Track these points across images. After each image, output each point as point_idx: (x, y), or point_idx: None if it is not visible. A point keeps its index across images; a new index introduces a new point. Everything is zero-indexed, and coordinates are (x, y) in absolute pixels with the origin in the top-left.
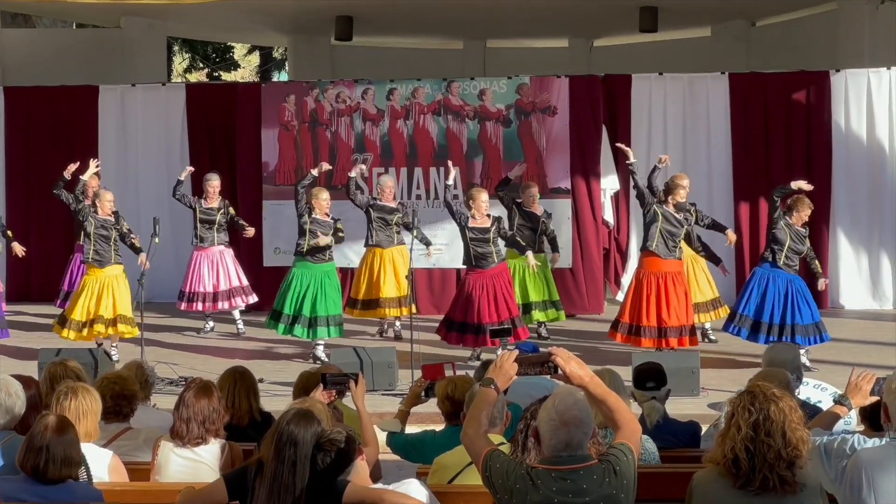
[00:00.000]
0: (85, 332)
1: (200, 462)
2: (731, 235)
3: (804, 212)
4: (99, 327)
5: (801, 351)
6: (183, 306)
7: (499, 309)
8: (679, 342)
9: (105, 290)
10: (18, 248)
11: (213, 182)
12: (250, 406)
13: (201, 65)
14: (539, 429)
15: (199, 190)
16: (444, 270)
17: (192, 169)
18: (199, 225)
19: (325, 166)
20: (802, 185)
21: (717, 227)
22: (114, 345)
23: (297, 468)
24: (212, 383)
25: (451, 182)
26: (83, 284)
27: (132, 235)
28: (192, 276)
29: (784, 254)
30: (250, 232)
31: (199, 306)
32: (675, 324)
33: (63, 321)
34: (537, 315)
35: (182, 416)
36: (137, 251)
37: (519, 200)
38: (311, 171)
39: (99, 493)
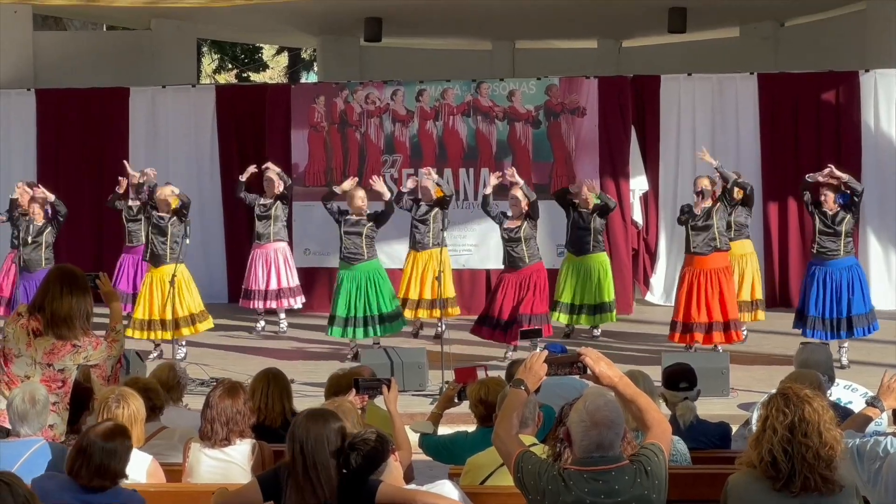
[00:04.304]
0: (160, 333)
1: (231, 462)
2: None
3: (826, 192)
4: (184, 330)
5: (844, 346)
6: (243, 303)
7: (526, 306)
8: (726, 337)
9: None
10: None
11: (272, 177)
12: (283, 407)
13: (230, 66)
14: (570, 430)
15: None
16: (473, 271)
17: (254, 169)
18: (256, 221)
19: (349, 183)
20: (827, 174)
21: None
22: (182, 343)
23: (318, 467)
24: (240, 384)
25: (488, 191)
26: (145, 285)
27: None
28: (250, 275)
29: (818, 242)
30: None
31: (255, 304)
32: (718, 319)
33: (148, 325)
34: (585, 320)
35: (207, 417)
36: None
37: (576, 201)
38: (335, 188)
39: (142, 499)
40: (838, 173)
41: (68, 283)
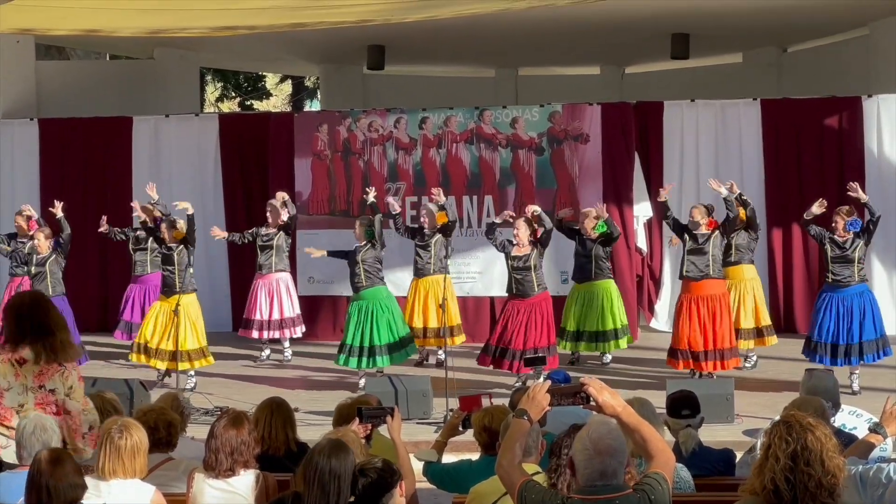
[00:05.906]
0: (164, 362)
1: (235, 493)
2: None
3: (835, 218)
4: (183, 364)
5: (856, 372)
6: (241, 332)
7: (536, 337)
8: (722, 365)
9: (171, 321)
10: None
11: (276, 206)
12: (286, 436)
13: (233, 94)
14: (573, 458)
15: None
16: (477, 299)
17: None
18: (259, 252)
19: (318, 252)
20: (821, 206)
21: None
22: (191, 374)
23: (330, 499)
24: (244, 414)
25: (499, 221)
26: (152, 311)
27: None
28: (250, 304)
29: (831, 270)
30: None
31: (255, 334)
32: (712, 347)
33: (145, 350)
34: (585, 347)
35: (211, 447)
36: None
37: (577, 227)
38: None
39: None
40: (860, 193)
41: (46, 303)
